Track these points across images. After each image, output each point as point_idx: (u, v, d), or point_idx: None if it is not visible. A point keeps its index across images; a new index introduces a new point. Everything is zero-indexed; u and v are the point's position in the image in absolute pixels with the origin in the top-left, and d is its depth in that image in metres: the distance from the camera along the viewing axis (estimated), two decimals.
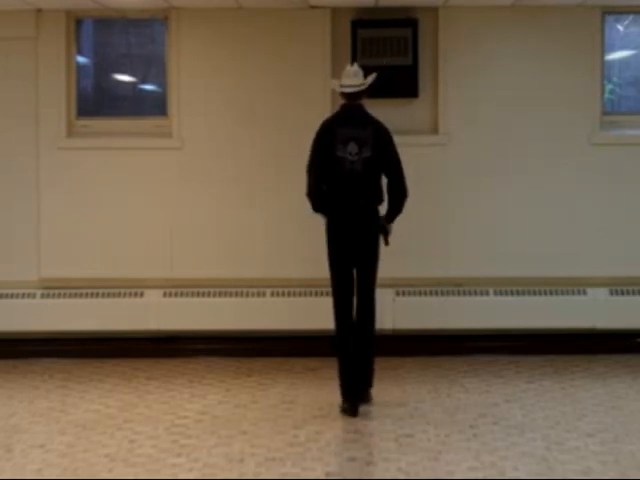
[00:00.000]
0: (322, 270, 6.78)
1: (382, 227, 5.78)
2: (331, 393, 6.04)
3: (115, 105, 7.86)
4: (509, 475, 4.51)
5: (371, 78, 5.77)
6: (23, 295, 7.29)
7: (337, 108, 5.98)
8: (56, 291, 7.29)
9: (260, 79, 7.25)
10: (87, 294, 7.27)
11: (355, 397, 5.60)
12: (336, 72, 7.03)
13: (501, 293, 7.27)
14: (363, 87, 5.75)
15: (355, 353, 5.66)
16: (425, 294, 7.27)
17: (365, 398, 5.73)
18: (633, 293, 7.26)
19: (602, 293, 7.27)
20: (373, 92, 6.40)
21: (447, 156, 7.26)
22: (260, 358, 7.06)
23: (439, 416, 5.55)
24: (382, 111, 6.90)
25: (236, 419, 5.52)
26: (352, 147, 5.60)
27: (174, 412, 5.68)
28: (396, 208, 5.74)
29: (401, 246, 7.13)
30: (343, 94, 5.76)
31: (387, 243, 5.84)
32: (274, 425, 5.38)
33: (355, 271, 5.74)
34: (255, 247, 7.27)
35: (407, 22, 7.12)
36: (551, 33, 7.23)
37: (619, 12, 7.46)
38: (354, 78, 5.72)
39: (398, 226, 6.88)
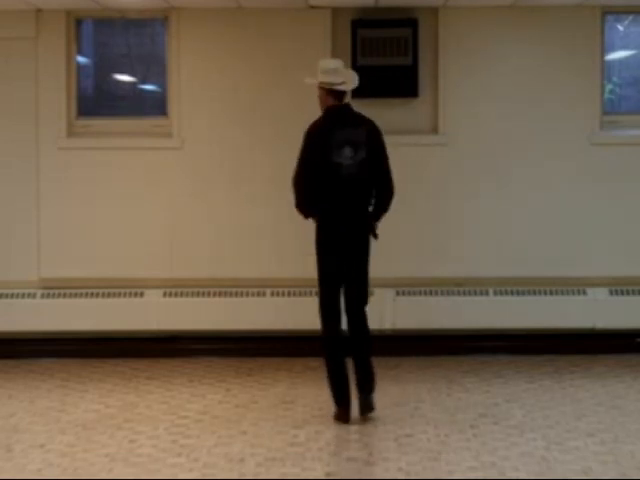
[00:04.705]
0: None
1: (369, 225, 5.52)
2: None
3: (115, 105, 7.86)
4: (509, 475, 4.51)
5: (356, 78, 5.53)
6: (23, 295, 7.28)
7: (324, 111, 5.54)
8: (56, 291, 7.29)
9: (260, 79, 7.24)
10: (87, 294, 7.27)
11: (349, 401, 5.43)
12: None
13: (501, 293, 7.26)
14: (353, 86, 5.53)
15: (353, 355, 5.52)
16: (425, 294, 7.26)
17: (369, 405, 5.46)
18: (633, 293, 7.26)
19: (602, 293, 7.27)
20: (373, 92, 6.41)
21: (447, 156, 7.25)
22: (260, 358, 7.06)
23: (439, 416, 5.54)
24: (382, 111, 6.93)
25: (236, 419, 5.52)
26: (347, 151, 5.35)
27: (174, 412, 5.68)
28: (383, 207, 5.53)
29: (401, 246, 7.16)
30: (332, 93, 5.44)
31: (376, 237, 5.55)
32: (274, 425, 5.37)
33: (348, 274, 5.49)
34: (255, 247, 7.27)
35: (407, 22, 7.11)
36: (551, 33, 7.23)
37: (619, 12, 7.47)
38: (340, 75, 5.45)
39: (399, 226, 6.92)
